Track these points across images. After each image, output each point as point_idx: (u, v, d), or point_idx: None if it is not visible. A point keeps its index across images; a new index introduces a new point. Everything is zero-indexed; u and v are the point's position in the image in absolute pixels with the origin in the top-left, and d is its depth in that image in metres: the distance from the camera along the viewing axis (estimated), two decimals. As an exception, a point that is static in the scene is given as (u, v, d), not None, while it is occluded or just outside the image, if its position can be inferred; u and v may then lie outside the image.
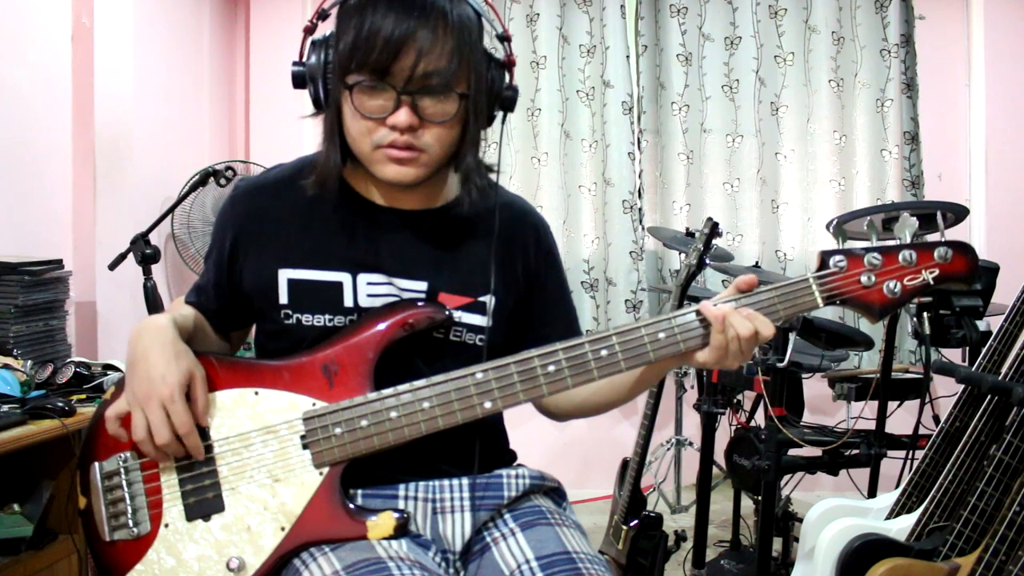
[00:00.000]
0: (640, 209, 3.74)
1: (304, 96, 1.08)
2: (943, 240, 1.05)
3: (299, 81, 1.08)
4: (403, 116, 1.01)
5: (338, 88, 1.03)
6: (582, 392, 1.18)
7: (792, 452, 2.18)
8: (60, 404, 1.88)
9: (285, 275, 1.12)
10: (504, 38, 1.09)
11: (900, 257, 1.04)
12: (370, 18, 0.98)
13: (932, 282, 1.04)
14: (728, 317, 1.01)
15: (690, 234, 2.82)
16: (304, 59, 1.07)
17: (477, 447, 1.12)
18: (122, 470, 1.08)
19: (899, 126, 3.62)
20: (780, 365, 2.14)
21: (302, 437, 1.06)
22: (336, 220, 1.13)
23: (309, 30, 1.06)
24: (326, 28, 1.08)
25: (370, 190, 1.14)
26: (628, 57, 3.70)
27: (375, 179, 1.09)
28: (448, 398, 1.04)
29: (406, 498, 1.11)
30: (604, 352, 1.04)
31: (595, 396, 1.20)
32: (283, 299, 1.12)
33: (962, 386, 1.78)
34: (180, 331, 1.09)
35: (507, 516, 1.14)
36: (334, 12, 1.07)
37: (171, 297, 3.22)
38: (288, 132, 3.47)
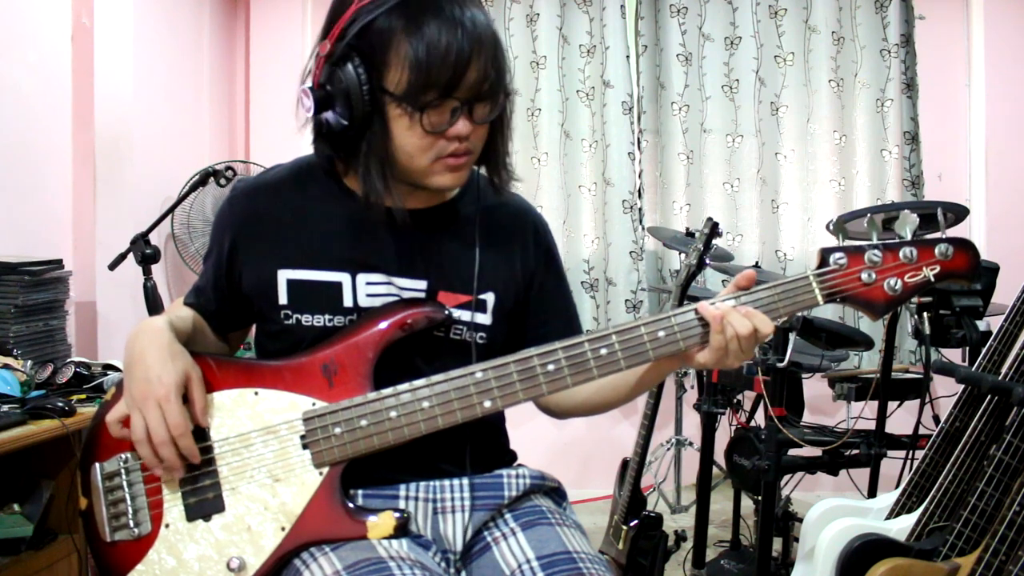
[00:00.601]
0: (640, 209, 3.74)
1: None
2: (944, 237, 1.05)
3: (326, 104, 1.03)
4: (464, 126, 1.03)
5: (386, 108, 1.02)
6: (583, 392, 1.18)
7: (792, 452, 2.18)
8: (60, 404, 1.88)
9: (284, 275, 1.12)
10: None
11: (901, 254, 1.03)
12: (429, 38, 0.98)
13: (933, 279, 1.04)
14: (726, 316, 1.01)
15: (690, 234, 2.82)
16: (326, 80, 1.03)
17: (468, 446, 1.13)
18: (123, 471, 1.08)
19: (899, 126, 3.62)
20: (780, 365, 2.14)
21: (302, 437, 1.06)
22: (334, 220, 1.12)
23: (329, 55, 1.02)
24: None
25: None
26: (628, 57, 3.70)
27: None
28: (448, 397, 1.04)
29: (406, 498, 1.11)
30: (604, 351, 1.04)
31: (596, 396, 1.21)
32: (282, 299, 1.12)
33: (962, 386, 1.78)
34: (178, 332, 1.09)
35: (507, 516, 1.14)
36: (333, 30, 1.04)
37: (171, 297, 3.22)
38: (288, 132, 3.46)
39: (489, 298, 1.15)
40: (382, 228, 1.12)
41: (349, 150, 1.06)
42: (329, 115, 1.04)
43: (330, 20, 1.04)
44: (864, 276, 1.04)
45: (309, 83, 1.05)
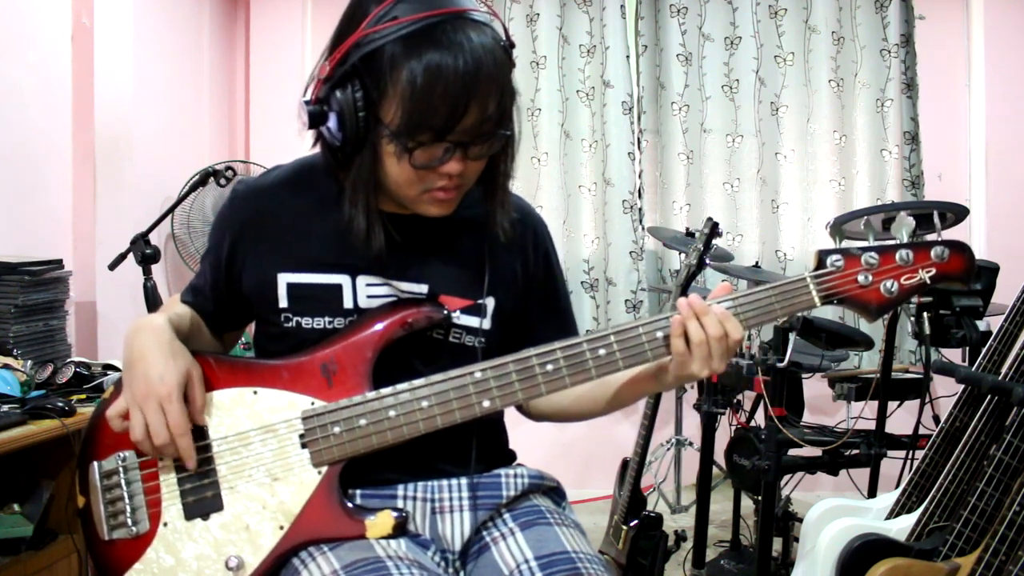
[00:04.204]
0: (640, 209, 3.74)
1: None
2: (940, 239, 1.05)
3: (320, 120, 1.02)
4: (455, 165, 1.01)
5: (380, 138, 1.00)
6: (562, 401, 1.20)
7: (792, 452, 2.18)
8: (60, 404, 1.88)
9: (284, 279, 1.12)
10: (508, 47, 1.05)
11: (897, 256, 1.04)
12: (427, 79, 0.94)
13: (929, 281, 1.04)
14: (700, 316, 1.01)
15: (690, 234, 2.82)
16: (323, 98, 1.01)
17: (474, 445, 1.12)
18: (121, 469, 1.08)
19: (899, 126, 3.62)
20: (780, 365, 2.14)
21: (301, 436, 1.06)
22: (335, 223, 1.11)
23: (328, 78, 1.00)
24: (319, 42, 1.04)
25: None
26: (628, 57, 3.70)
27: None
28: (447, 397, 1.04)
29: (405, 498, 1.11)
30: (602, 351, 1.04)
31: (573, 406, 1.22)
32: (283, 303, 1.12)
33: (962, 386, 1.78)
34: (176, 330, 1.09)
35: (506, 515, 1.14)
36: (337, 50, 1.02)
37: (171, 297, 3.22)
38: (288, 132, 3.46)
39: (489, 303, 1.15)
40: (383, 232, 1.12)
41: (343, 163, 1.06)
42: (325, 129, 1.03)
43: (337, 39, 1.02)
44: (861, 278, 1.04)
45: (307, 96, 1.03)
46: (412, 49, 0.95)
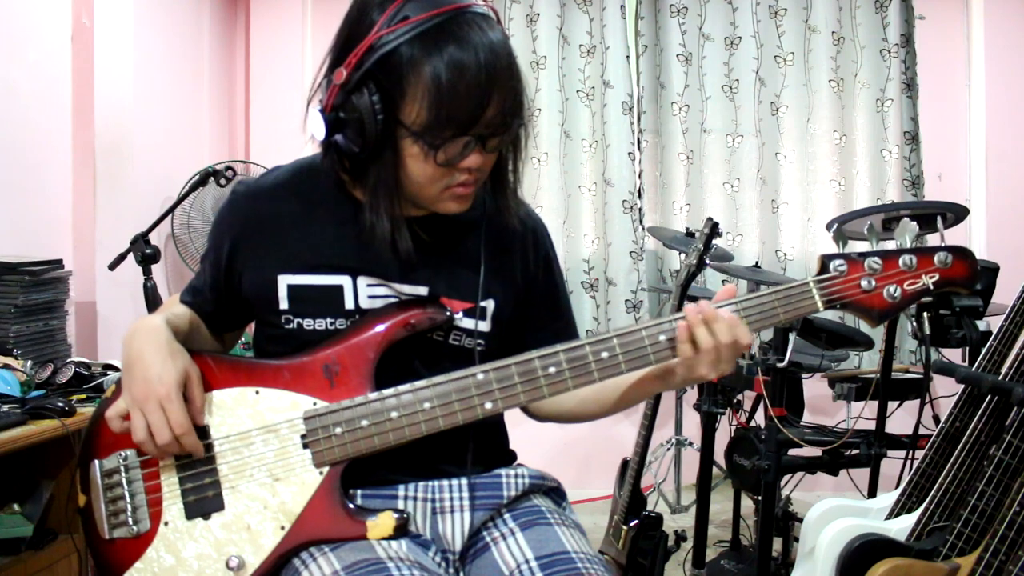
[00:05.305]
0: (640, 209, 3.74)
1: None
2: (943, 245, 1.05)
3: (337, 128, 1.02)
4: (476, 159, 1.02)
5: (400, 139, 1.00)
6: (568, 402, 1.20)
7: (792, 452, 2.18)
8: (60, 404, 1.88)
9: (285, 281, 1.11)
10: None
11: (900, 262, 1.04)
12: (449, 76, 0.95)
13: (932, 287, 1.04)
14: (710, 323, 1.01)
15: (690, 234, 2.82)
16: (339, 106, 1.01)
17: (470, 447, 1.12)
18: (122, 468, 1.08)
19: (899, 126, 3.62)
20: (780, 365, 2.14)
21: (303, 436, 1.06)
22: (335, 224, 1.12)
23: (345, 83, 0.99)
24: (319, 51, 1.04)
25: None
26: (628, 57, 3.70)
27: None
28: (449, 398, 1.04)
29: (406, 498, 1.11)
30: (605, 354, 1.04)
31: (579, 407, 1.22)
32: (283, 304, 1.12)
33: (962, 386, 1.78)
34: (174, 331, 1.09)
35: (507, 516, 1.14)
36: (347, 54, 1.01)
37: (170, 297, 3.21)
38: (288, 132, 3.47)
39: (489, 305, 1.15)
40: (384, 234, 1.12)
41: (357, 171, 1.06)
42: (339, 138, 1.03)
43: (345, 44, 1.01)
44: (864, 283, 1.04)
45: (319, 106, 1.03)
46: (431, 47, 0.96)
